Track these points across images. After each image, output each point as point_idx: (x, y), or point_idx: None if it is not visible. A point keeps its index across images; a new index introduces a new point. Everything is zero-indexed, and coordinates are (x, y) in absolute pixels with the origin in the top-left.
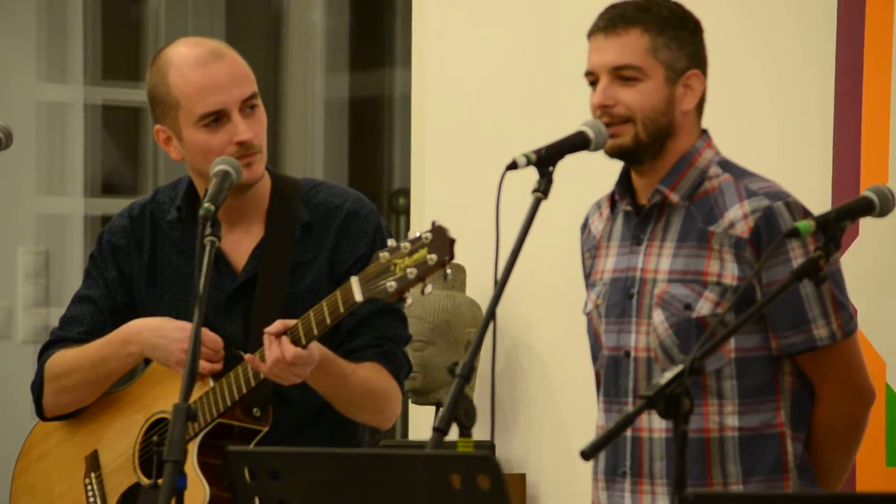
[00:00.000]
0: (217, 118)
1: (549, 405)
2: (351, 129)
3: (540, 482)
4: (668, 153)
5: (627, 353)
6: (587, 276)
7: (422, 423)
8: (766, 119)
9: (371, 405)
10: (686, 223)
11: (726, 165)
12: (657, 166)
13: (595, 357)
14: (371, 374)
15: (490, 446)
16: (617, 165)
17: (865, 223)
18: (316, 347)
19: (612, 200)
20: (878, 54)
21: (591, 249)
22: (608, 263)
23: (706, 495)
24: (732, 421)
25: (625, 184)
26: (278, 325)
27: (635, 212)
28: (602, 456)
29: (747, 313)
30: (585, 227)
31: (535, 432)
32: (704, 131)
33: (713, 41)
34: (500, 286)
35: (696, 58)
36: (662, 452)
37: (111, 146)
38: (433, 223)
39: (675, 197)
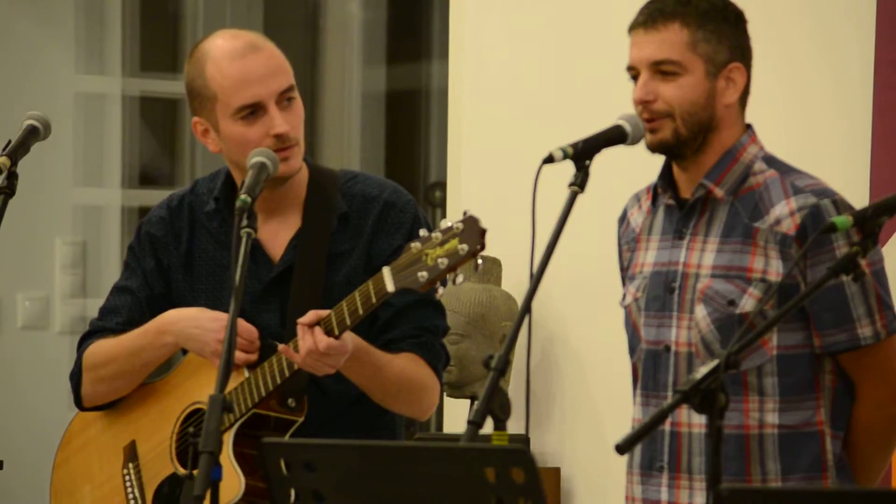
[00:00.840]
0: (254, 111)
1: (583, 399)
2: (388, 122)
3: (574, 476)
4: (710, 147)
5: (668, 348)
6: (625, 268)
7: (457, 416)
8: (804, 114)
9: (407, 396)
10: (730, 219)
11: (771, 161)
12: (700, 161)
13: (633, 350)
14: (408, 365)
15: (525, 440)
16: (654, 159)
17: None
18: (350, 338)
19: (654, 193)
20: None
21: (629, 242)
22: (648, 257)
23: (740, 490)
24: (772, 418)
25: (667, 177)
26: (311, 315)
27: (678, 206)
28: (637, 450)
29: (784, 308)
30: (624, 219)
31: (569, 426)
32: (749, 126)
33: (752, 18)
34: (536, 280)
35: (739, 50)
36: (701, 448)
37: (149, 137)
38: (465, 213)
39: (719, 192)
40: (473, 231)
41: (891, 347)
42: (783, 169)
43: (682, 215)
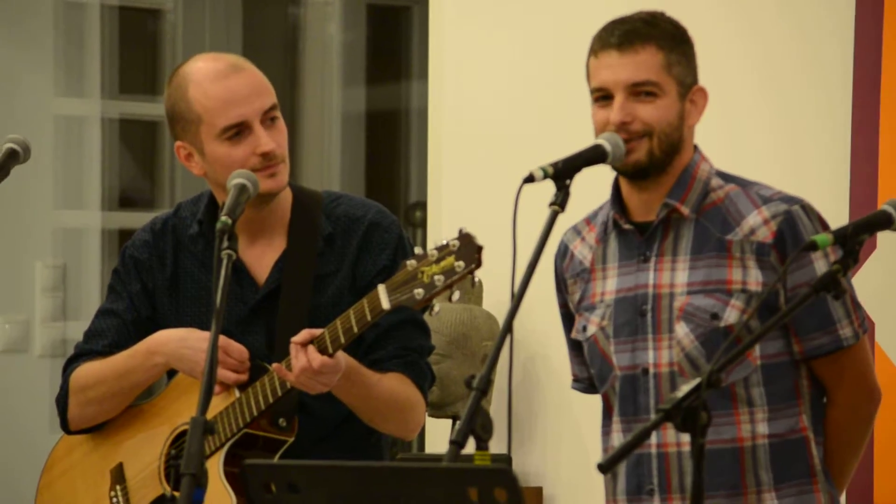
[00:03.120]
0: (239, 131)
1: (565, 418)
2: (368, 143)
3: (557, 495)
4: (672, 168)
5: (645, 371)
6: (578, 301)
7: (438, 436)
8: (784, 133)
9: (396, 415)
10: (698, 235)
11: (726, 176)
12: (661, 181)
13: (603, 380)
14: (396, 385)
15: (507, 459)
16: None
17: (883, 236)
18: (342, 356)
19: (604, 223)
20: None
21: (579, 275)
22: (608, 285)
23: None
24: (763, 428)
25: (619, 203)
26: (305, 334)
27: (638, 230)
28: (622, 476)
29: (767, 325)
30: (566, 254)
31: (551, 445)
32: (695, 146)
33: (728, 51)
34: (517, 299)
35: (696, 73)
36: None
37: (128, 160)
38: (460, 230)
39: (685, 209)
40: (470, 248)
41: (864, 347)
42: (742, 182)
43: (644, 238)
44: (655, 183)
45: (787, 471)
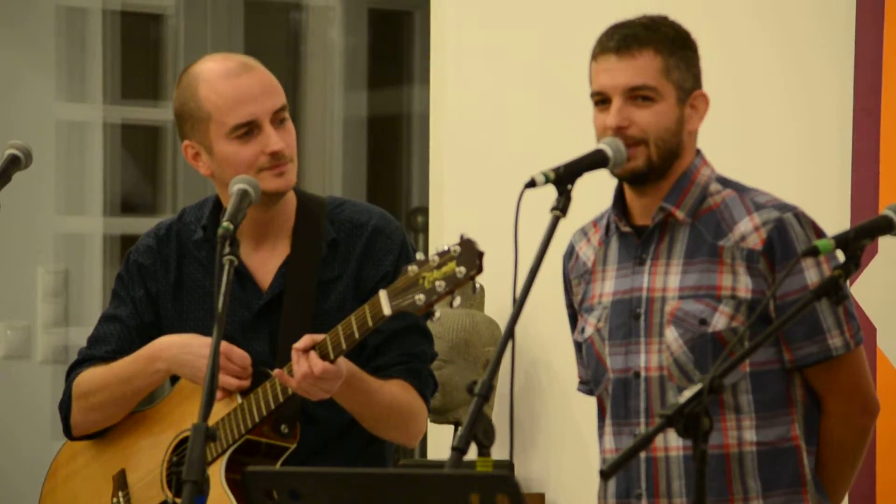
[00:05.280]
0: (249, 129)
1: (568, 424)
2: (369, 148)
3: (559, 501)
4: (672, 173)
5: (637, 374)
6: (580, 302)
7: (441, 442)
8: (785, 137)
9: (397, 422)
10: (693, 239)
11: (725, 182)
12: (660, 186)
13: (598, 382)
14: (397, 392)
15: (509, 466)
16: None
17: (885, 241)
18: (344, 362)
19: (606, 225)
20: None
21: (582, 276)
22: (606, 287)
23: None
24: (750, 435)
25: (620, 205)
26: (306, 340)
27: (635, 233)
28: (612, 479)
29: (765, 333)
30: (572, 254)
31: (554, 451)
32: (698, 150)
33: (732, 55)
34: (519, 305)
35: (699, 78)
36: (681, 471)
37: (130, 165)
38: (461, 236)
39: (680, 214)
40: (471, 254)
41: (858, 358)
42: (739, 188)
43: (640, 241)
44: (655, 187)
45: (776, 479)
